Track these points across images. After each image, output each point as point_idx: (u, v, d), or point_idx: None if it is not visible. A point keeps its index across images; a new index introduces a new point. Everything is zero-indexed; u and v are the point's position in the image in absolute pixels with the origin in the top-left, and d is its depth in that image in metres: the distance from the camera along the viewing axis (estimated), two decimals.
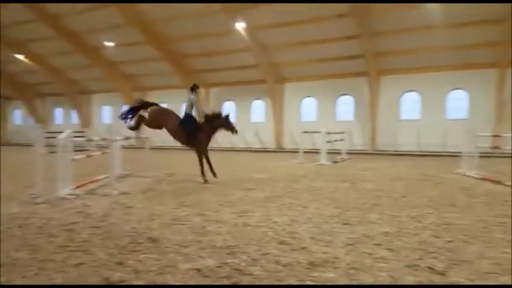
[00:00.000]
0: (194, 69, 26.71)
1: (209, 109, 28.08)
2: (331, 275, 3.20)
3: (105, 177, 7.87)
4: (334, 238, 4.25)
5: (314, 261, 3.49)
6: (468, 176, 9.78)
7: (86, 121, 33.49)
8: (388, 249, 3.87)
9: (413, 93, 21.80)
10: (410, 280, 3.09)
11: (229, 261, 3.51)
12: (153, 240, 4.17)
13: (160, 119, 8.80)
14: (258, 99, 26.57)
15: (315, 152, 14.67)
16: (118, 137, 8.39)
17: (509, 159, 14.80)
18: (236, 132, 9.05)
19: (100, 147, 12.91)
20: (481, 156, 10.55)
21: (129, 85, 29.77)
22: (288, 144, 24.30)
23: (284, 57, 23.33)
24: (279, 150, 24.09)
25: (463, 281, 3.06)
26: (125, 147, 11.19)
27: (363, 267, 3.37)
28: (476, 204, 6.22)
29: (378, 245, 4.02)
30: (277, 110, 25.12)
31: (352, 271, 3.27)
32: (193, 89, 9.03)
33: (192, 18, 21.19)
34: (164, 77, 27.94)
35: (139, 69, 28.31)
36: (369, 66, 21.28)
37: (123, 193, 7.17)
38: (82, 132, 24.95)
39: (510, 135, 9.21)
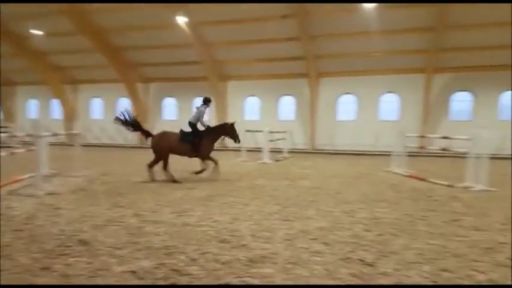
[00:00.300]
0: (131, 62, 25.61)
1: (147, 106, 27.31)
2: (269, 270, 3.25)
3: (30, 177, 7.26)
4: (274, 234, 4.32)
5: (253, 258, 3.52)
6: (397, 174, 10.51)
7: (9, 116, 30.65)
8: (323, 243, 4.02)
9: (350, 95, 22.92)
10: (343, 272, 3.23)
11: (166, 262, 3.42)
12: (84, 242, 3.93)
13: (164, 146, 8.65)
14: (200, 96, 26.19)
15: (258, 150, 14.84)
16: (45, 133, 7.79)
17: (434, 158, 16.19)
18: (239, 141, 9.33)
19: (25, 144, 11.90)
20: (409, 155, 11.38)
21: (58, 77, 27.72)
22: (231, 142, 24.27)
23: (227, 55, 23.26)
24: (222, 148, 24.03)
25: (390, 271, 3.27)
26: (52, 144, 10.43)
27: (300, 261, 3.46)
28: (403, 200, 6.69)
29: (314, 239, 4.16)
30: (220, 108, 24.99)
31: (290, 266, 3.35)
32: (206, 102, 9.19)
33: (130, 8, 20.29)
34: (98, 70, 26.42)
35: (70, 60, 26.45)
36: (309, 68, 21.97)
37: (50, 193, 6.67)
38: (5, 127, 22.79)
39: (434, 136, 10.01)
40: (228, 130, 9.15)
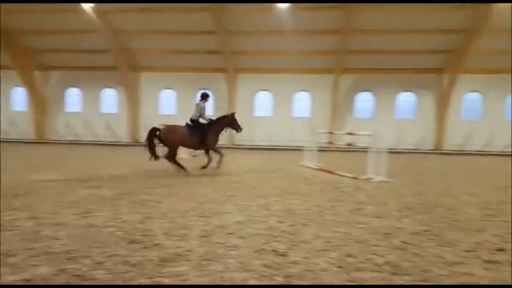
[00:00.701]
0: (28, 48, 23.00)
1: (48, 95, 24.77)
2: (183, 268, 3.15)
3: None
4: (189, 231, 4.21)
5: (166, 257, 3.38)
6: (309, 168, 11.10)
7: None
8: (239, 237, 4.04)
9: (266, 92, 23.60)
10: (256, 264, 3.27)
11: (68, 267, 3.10)
12: None
13: (173, 138, 8.97)
14: (109, 87, 24.60)
15: None
16: None
17: (341, 152, 17.46)
18: (241, 130, 9.67)
19: None
20: (319, 150, 12.08)
21: None
22: (144, 138, 23.24)
23: (139, 44, 22.17)
24: (135, 144, 22.90)
25: (300, 260, 3.40)
26: None
27: (215, 257, 3.42)
28: (314, 192, 7.07)
29: (230, 234, 4.15)
30: (132, 100, 23.77)
31: (204, 262, 3.28)
32: (204, 97, 9.44)
33: None
34: None
35: None
36: (226, 63, 22.06)
37: None
38: None
39: (341, 132, 10.79)
40: (229, 121, 9.53)
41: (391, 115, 21.77)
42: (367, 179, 8.69)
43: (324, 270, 3.20)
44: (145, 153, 9.25)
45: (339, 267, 3.29)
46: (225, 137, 9.71)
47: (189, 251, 3.56)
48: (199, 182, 7.95)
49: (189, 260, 3.32)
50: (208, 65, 22.67)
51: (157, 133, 8.96)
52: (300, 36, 19.80)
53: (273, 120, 22.98)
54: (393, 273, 3.17)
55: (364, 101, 22.60)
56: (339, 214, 5.27)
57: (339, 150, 17.88)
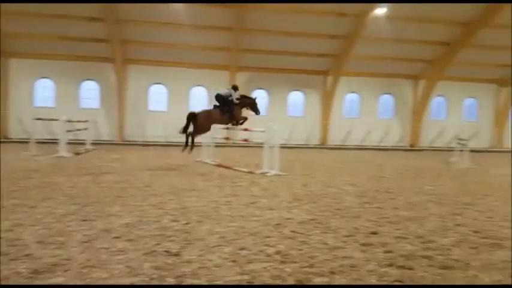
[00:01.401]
0: None
1: None
2: (59, 279, 2.78)
3: None
4: (68, 238, 3.77)
5: (38, 269, 2.95)
6: (206, 163, 11.03)
7: None
8: (127, 240, 3.76)
9: (161, 85, 22.68)
10: (146, 267, 3.07)
11: None
12: None
13: (208, 121, 10.44)
14: None
15: (53, 142, 12.92)
16: None
17: (237, 148, 17.78)
18: (259, 113, 11.14)
19: None
20: (217, 146, 12.11)
21: None
22: (16, 133, 20.34)
23: (7, 27, 19.08)
24: (4, 140, 19.88)
25: (193, 258, 3.31)
26: None
27: (99, 263, 3.11)
28: (211, 188, 7.03)
29: (116, 237, 3.84)
30: None
31: (86, 270, 2.96)
32: (235, 88, 10.87)
33: None
34: None
35: None
36: (114, 53, 20.47)
37: None
38: None
39: (238, 128, 10.94)
40: (251, 103, 10.88)
41: (283, 112, 23.00)
42: (262, 173, 9.00)
43: (217, 266, 3.17)
44: (17, 150, 8.06)
45: (233, 261, 3.29)
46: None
47: (68, 259, 3.17)
48: (79, 182, 7.24)
49: (68, 270, 2.95)
50: (92, 54, 20.74)
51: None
52: (195, 31, 19.52)
53: (168, 115, 22.16)
54: (282, 262, 3.30)
55: (259, 98, 23.40)
56: (235, 208, 5.32)
57: (236, 145, 18.21)
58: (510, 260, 3.53)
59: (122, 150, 16.44)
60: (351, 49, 20.22)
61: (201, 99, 22.98)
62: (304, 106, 23.54)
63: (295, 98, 23.58)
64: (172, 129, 21.34)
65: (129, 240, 3.76)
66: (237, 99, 10.65)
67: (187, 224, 4.44)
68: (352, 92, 23.80)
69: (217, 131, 11.60)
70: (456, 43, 20.11)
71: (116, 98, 21.54)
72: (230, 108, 10.51)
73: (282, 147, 9.61)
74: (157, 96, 22.75)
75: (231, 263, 3.24)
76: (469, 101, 24.66)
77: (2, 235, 3.78)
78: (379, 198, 6.49)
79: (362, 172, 10.34)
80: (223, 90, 10.99)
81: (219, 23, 19.47)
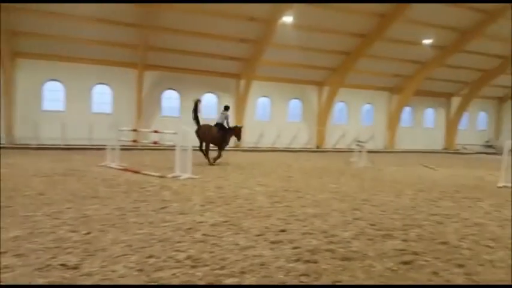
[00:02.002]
0: None
1: None
2: None
3: None
4: None
5: None
6: (111, 168, 10.32)
7: None
8: (15, 255, 3.31)
9: (57, 82, 20.54)
10: (39, 282, 2.74)
11: None
12: None
13: (210, 133, 12.01)
14: None
15: None
16: None
17: (147, 151, 17.03)
18: (240, 140, 13.62)
19: None
20: (123, 149, 11.42)
21: None
22: None
23: None
24: None
25: (95, 270, 3.05)
26: None
27: None
28: (116, 194, 6.58)
29: (3, 253, 3.36)
30: None
31: None
32: (227, 109, 12.69)
33: None
34: None
35: None
36: None
37: None
38: None
39: (147, 130, 10.47)
40: (237, 132, 12.85)
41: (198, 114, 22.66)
42: (174, 177, 8.73)
43: (122, 277, 2.96)
44: None
45: (139, 270, 3.11)
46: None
47: None
48: None
49: None
50: None
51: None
52: (98, 24, 18.11)
53: (66, 116, 20.10)
54: (193, 267, 3.22)
55: (170, 99, 22.71)
56: (143, 215, 5.06)
57: (145, 148, 17.45)
58: (400, 248, 3.95)
59: (12, 154, 14.55)
60: (262, 54, 20.82)
61: (105, 98, 21.41)
62: (218, 109, 23.57)
63: (209, 100, 23.45)
64: (72, 131, 19.63)
65: (18, 255, 3.31)
66: (229, 128, 12.68)
67: (88, 234, 4.08)
68: (264, 96, 24.57)
69: (124, 133, 10.96)
70: (354, 53, 22.06)
71: (3, 96, 18.90)
72: (225, 135, 12.59)
73: (195, 149, 9.46)
74: (53, 95, 20.46)
75: (137, 272, 3.06)
76: (366, 107, 27.24)
77: None
78: (288, 197, 6.77)
79: (273, 173, 10.69)
80: (220, 115, 12.77)
81: (126, 18, 18.39)
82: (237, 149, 21.74)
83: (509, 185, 8.85)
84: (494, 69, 25.05)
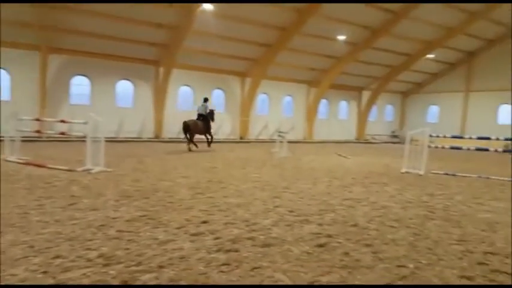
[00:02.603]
0: None
1: None
2: None
3: None
4: None
5: None
6: (10, 161, 9.22)
7: None
8: None
9: None
10: None
11: None
12: None
13: (197, 127, 14.87)
14: None
15: None
16: None
17: (54, 142, 15.55)
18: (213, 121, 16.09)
19: None
20: (24, 141, 10.27)
21: None
22: None
23: None
24: None
25: None
26: None
27: None
28: (16, 191, 5.89)
29: None
30: None
31: None
32: (206, 100, 16.00)
33: None
34: None
35: None
36: None
37: None
38: None
39: (52, 119, 9.53)
40: (210, 113, 15.59)
41: (111, 103, 21.27)
42: (85, 170, 8.09)
43: (23, 281, 2.66)
44: None
45: (43, 272, 2.81)
46: None
47: None
48: None
49: None
50: None
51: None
52: None
53: None
54: (105, 265, 3.01)
55: (80, 85, 20.88)
56: (49, 213, 4.60)
57: (52, 140, 15.94)
58: (316, 232, 4.14)
59: None
60: (181, 41, 20.13)
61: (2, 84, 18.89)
62: (135, 97, 22.40)
63: (125, 87, 22.12)
64: None
65: None
66: (208, 115, 15.49)
67: None
68: (186, 85, 23.99)
69: (25, 122, 9.81)
70: (275, 45, 22.55)
71: None
72: (208, 124, 15.41)
73: (110, 140, 8.85)
74: None
75: (40, 275, 2.77)
76: (287, 99, 28.18)
77: None
78: (211, 189, 6.71)
79: (196, 164, 10.52)
80: (200, 107, 15.61)
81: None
82: (157, 140, 21.01)
83: (411, 170, 9.88)
84: (399, 66, 27.60)
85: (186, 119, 14.92)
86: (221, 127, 23.09)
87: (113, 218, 4.45)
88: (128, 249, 3.41)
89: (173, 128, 21.89)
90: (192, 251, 3.41)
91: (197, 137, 15.28)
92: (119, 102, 21.83)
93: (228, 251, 3.43)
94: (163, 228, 4.11)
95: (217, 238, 3.79)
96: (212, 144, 15.80)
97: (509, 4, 21.20)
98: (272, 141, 20.15)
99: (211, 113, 15.67)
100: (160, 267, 3.02)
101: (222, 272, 2.97)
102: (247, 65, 24.53)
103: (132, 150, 14.00)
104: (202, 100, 16.18)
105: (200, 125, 14.87)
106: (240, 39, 21.67)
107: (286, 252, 3.46)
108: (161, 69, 22.00)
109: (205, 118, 15.22)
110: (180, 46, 20.41)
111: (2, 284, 2.68)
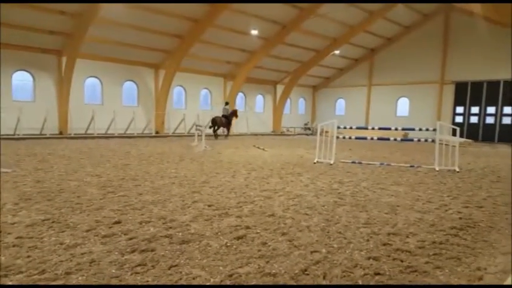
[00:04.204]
0: None
1: None
2: None
3: None
4: None
5: None
6: None
7: None
8: None
9: None
10: None
11: None
12: None
13: (222, 123, 20.42)
14: None
15: None
16: None
17: None
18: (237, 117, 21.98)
19: None
20: None
21: None
22: None
23: None
24: None
25: None
26: None
27: None
28: None
29: None
30: None
31: None
32: (227, 104, 22.10)
33: None
34: None
35: None
36: None
37: None
38: None
39: None
40: (235, 112, 21.51)
41: (7, 96, 18.87)
42: None
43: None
44: None
45: None
46: None
47: None
48: None
49: None
50: None
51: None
52: None
53: None
54: (3, 276, 2.68)
55: None
56: None
57: None
58: (235, 224, 4.18)
59: None
60: (86, 29, 18.58)
61: None
62: (35, 89, 20.19)
63: (22, 79, 19.80)
64: None
65: None
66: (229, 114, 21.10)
67: None
68: (93, 77, 22.30)
69: None
70: (189, 37, 22.07)
71: None
72: (229, 121, 20.95)
73: (6, 138, 7.86)
74: None
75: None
76: (204, 92, 27.89)
77: None
78: (124, 187, 6.36)
79: (107, 161, 9.88)
80: (223, 109, 21.26)
81: None
82: (62, 136, 19.28)
83: (323, 160, 10.53)
84: (309, 61, 29.09)
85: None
86: (134, 122, 21.99)
87: (11, 224, 3.97)
88: (29, 256, 3.08)
89: (80, 124, 20.28)
90: (103, 253, 3.19)
91: (209, 132, 20.07)
92: (15, 95, 19.48)
93: (144, 251, 3.29)
94: (70, 232, 3.78)
95: (131, 238, 3.61)
96: (124, 140, 15.03)
97: (404, 5, 23.77)
98: (190, 136, 19.86)
99: (235, 112, 21.05)
100: (68, 273, 2.78)
101: (136, 273, 2.83)
102: (160, 56, 23.69)
103: (35, 148, 12.64)
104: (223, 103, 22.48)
105: (224, 121, 20.53)
106: (152, 29, 20.80)
107: (205, 247, 3.43)
108: (64, 59, 20.11)
109: (227, 117, 20.64)
110: (84, 35, 18.85)
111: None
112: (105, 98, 22.86)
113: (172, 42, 22.58)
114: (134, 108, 23.44)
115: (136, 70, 23.84)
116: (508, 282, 2.82)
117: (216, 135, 20.06)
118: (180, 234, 3.79)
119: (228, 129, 20.96)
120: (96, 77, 22.46)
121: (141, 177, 7.38)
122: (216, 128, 20.17)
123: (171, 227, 4.01)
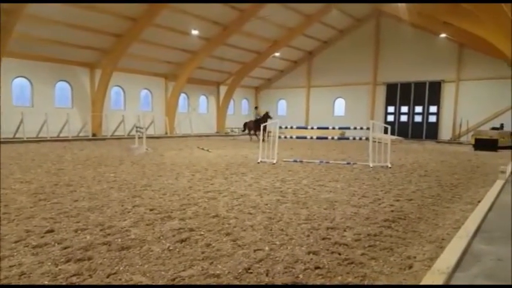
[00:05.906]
0: None
1: None
2: None
3: None
4: None
5: None
6: None
7: None
8: None
9: None
10: None
11: None
12: None
13: (251, 125, 21.50)
14: None
15: None
16: None
17: None
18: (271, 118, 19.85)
19: None
20: None
21: None
22: None
23: None
24: None
25: None
26: None
27: None
28: None
29: None
30: None
31: None
32: (256, 108, 24.03)
33: None
34: None
35: None
36: None
37: None
38: None
39: None
40: (266, 115, 20.85)
41: None
42: None
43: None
44: None
45: None
46: None
47: None
48: None
49: None
50: None
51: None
52: None
53: None
54: None
55: None
56: None
57: None
58: (178, 227, 4.11)
59: None
60: (12, 27, 17.15)
61: None
62: None
63: None
64: None
65: None
66: (260, 119, 20.43)
67: None
68: (22, 77, 20.61)
69: None
70: (127, 36, 21.21)
71: None
72: (258, 125, 17.74)
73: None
74: None
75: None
76: (144, 92, 26.98)
77: None
78: (58, 193, 5.97)
79: (38, 167, 9.19)
80: (254, 114, 22.34)
81: None
82: None
83: (266, 160, 10.71)
84: (251, 63, 29.38)
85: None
86: (68, 124, 20.68)
87: None
88: None
89: (7, 127, 18.66)
90: (35, 265, 2.98)
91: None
92: None
93: (80, 260, 3.12)
94: None
95: (66, 247, 3.41)
96: (58, 143, 14.08)
97: (337, 10, 24.93)
98: (131, 138, 19.14)
99: (267, 114, 20.84)
100: None
101: (72, 284, 2.68)
102: (96, 55, 22.53)
103: None
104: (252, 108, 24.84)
105: (252, 125, 21.48)
106: (87, 27, 19.72)
107: (146, 252, 3.34)
108: None
109: (257, 120, 20.74)
110: (11, 32, 17.37)
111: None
112: (36, 100, 21.25)
113: (108, 40, 21.60)
114: (68, 110, 22.06)
115: (70, 70, 22.46)
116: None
117: (251, 138, 21.72)
118: (120, 240, 3.65)
119: (264, 132, 17.18)
120: (24, 77, 20.80)
121: (76, 182, 6.98)
122: (250, 132, 21.97)
123: (109, 234, 3.85)
